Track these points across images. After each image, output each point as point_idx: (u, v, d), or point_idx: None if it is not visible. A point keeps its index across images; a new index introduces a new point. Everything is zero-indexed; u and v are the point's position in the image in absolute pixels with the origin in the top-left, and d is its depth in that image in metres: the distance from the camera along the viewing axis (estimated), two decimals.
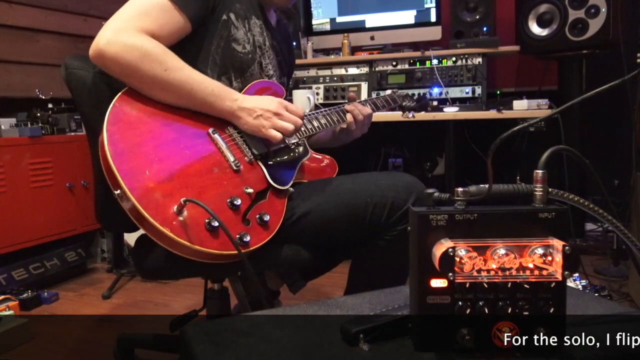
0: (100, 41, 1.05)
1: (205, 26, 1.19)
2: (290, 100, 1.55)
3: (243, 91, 1.24)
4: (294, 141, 1.25)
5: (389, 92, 1.62)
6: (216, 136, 1.13)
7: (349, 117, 1.40)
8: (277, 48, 1.37)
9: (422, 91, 2.55)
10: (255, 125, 1.14)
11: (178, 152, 1.07)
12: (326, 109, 1.38)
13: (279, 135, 1.15)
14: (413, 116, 1.62)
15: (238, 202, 1.07)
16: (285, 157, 1.23)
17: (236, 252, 1.01)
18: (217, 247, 1.02)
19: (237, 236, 1.04)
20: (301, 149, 1.27)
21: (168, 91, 1.10)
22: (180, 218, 1.00)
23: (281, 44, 1.41)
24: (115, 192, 1.00)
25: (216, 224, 1.01)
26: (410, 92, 1.65)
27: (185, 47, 1.17)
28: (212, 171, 1.09)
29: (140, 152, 1.03)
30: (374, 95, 2.61)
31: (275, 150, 1.20)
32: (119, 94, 1.08)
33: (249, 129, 1.15)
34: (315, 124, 1.32)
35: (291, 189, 1.19)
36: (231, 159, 1.12)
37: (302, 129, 1.26)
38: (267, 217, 1.10)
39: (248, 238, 1.05)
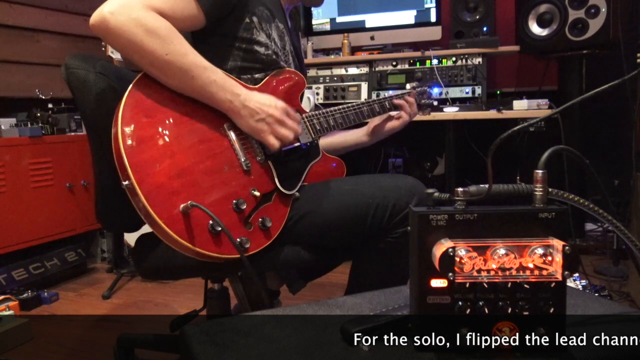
0: (105, 9, 1.01)
1: (226, 26, 1.17)
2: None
3: (266, 78, 1.21)
4: (308, 140, 1.24)
5: (408, 87, 1.56)
6: (230, 132, 1.12)
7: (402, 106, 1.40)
8: (294, 53, 1.35)
9: None
10: (255, 128, 1.11)
11: (191, 146, 1.06)
12: (346, 106, 1.34)
13: (277, 143, 1.13)
14: (429, 113, 1.59)
15: (243, 206, 1.07)
16: (297, 158, 1.22)
17: (237, 256, 1.02)
18: (218, 251, 1.03)
19: (238, 240, 1.05)
20: (313, 150, 1.26)
21: (168, 75, 1.06)
22: (185, 219, 1.00)
23: (297, 49, 1.38)
24: (124, 182, 0.99)
25: (219, 227, 1.01)
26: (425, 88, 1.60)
27: (204, 47, 1.15)
28: (222, 170, 1.08)
29: (153, 144, 1.02)
30: (374, 96, 2.61)
31: (287, 151, 1.18)
32: (135, 79, 1.06)
33: (248, 131, 1.13)
34: (332, 122, 1.29)
35: (297, 193, 1.18)
36: (242, 158, 1.11)
37: (318, 127, 1.25)
38: (269, 224, 1.10)
39: (248, 245, 1.06)
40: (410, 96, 1.44)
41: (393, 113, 1.44)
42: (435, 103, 1.63)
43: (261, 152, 1.15)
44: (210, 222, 1.02)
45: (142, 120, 1.03)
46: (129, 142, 1.00)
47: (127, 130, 1.00)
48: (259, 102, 1.12)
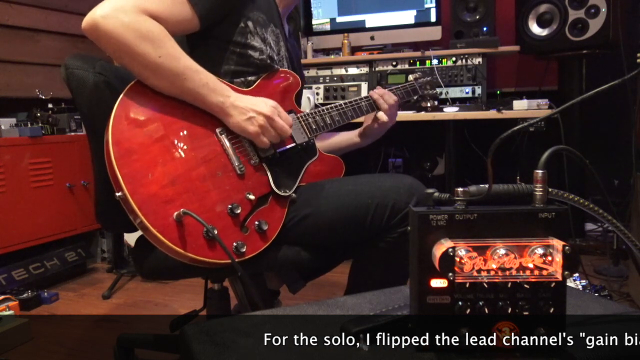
0: (97, 13, 1.01)
1: (220, 31, 1.17)
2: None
3: (259, 80, 1.21)
4: (304, 140, 1.23)
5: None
6: (223, 137, 1.12)
7: (379, 103, 1.37)
8: (288, 59, 1.34)
9: None
10: (244, 126, 1.11)
11: (183, 154, 1.06)
12: (343, 102, 1.33)
13: (267, 141, 1.13)
14: (435, 104, 1.57)
15: (238, 210, 1.07)
16: (293, 159, 1.22)
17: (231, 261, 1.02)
18: (212, 257, 1.03)
19: (234, 244, 1.05)
20: (310, 149, 1.26)
21: (160, 78, 1.06)
22: (179, 226, 1.00)
23: (292, 54, 1.38)
24: (117, 194, 1.00)
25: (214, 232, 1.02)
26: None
27: (198, 51, 1.15)
28: (215, 175, 1.08)
29: (144, 153, 1.02)
30: None
31: (282, 152, 1.18)
32: (126, 89, 1.06)
33: (238, 129, 1.12)
34: (328, 120, 1.29)
35: (294, 194, 1.18)
36: (236, 162, 1.11)
37: (314, 126, 1.25)
38: (265, 227, 1.10)
39: (244, 249, 1.06)
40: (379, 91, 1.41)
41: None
42: (436, 103, 1.61)
43: (255, 155, 1.15)
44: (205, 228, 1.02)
45: (133, 131, 1.03)
46: (120, 153, 1.00)
47: (118, 141, 1.00)
48: (249, 102, 1.12)
